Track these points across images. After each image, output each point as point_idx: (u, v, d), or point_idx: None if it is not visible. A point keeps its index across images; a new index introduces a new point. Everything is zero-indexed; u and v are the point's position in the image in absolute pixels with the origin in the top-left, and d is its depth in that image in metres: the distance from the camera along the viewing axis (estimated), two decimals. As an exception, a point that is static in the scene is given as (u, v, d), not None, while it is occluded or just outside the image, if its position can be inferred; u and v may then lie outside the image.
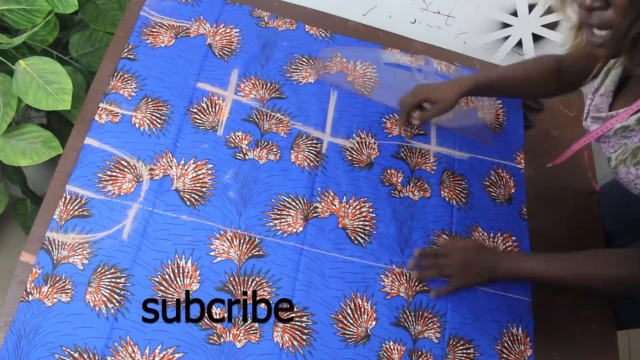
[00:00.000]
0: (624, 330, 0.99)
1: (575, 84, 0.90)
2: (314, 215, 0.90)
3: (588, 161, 1.03)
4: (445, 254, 0.87)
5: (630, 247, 0.95)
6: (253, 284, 0.83)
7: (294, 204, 0.90)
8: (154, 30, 1.00)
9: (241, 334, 0.79)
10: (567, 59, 0.88)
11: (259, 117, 0.96)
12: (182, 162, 0.89)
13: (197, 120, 0.93)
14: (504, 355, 0.86)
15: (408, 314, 0.86)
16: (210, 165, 0.90)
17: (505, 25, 1.14)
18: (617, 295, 0.91)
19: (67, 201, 0.83)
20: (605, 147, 0.75)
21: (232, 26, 1.04)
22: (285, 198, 0.90)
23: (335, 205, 0.91)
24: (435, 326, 0.86)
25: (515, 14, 1.11)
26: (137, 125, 0.91)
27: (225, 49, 1.01)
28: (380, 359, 0.81)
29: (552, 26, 1.12)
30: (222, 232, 0.85)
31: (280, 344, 0.79)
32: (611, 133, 0.72)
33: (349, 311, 0.84)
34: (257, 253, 0.85)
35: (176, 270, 0.81)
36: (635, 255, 0.75)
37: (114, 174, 0.86)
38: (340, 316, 0.83)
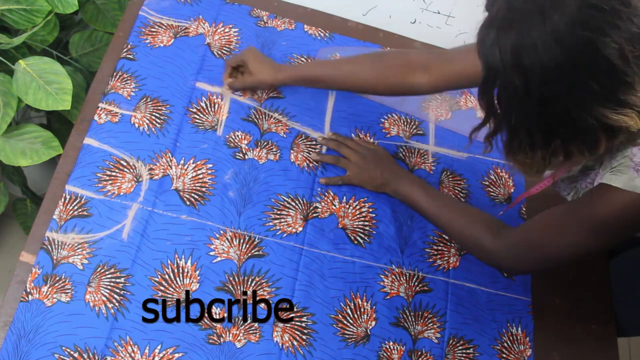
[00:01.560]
0: (624, 337, 0.99)
1: (433, 90, 0.87)
2: (314, 215, 0.90)
3: None
4: (352, 148, 0.91)
5: (630, 252, 0.95)
6: (253, 284, 0.83)
7: (293, 204, 0.90)
8: (153, 30, 1.00)
9: (241, 334, 0.79)
10: (443, 65, 0.83)
11: (258, 116, 0.96)
12: (182, 161, 0.89)
13: (197, 120, 0.93)
14: (504, 355, 0.86)
15: (408, 314, 0.86)
16: (210, 165, 0.90)
17: (505, 25, 1.14)
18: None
19: (66, 201, 0.83)
20: (560, 190, 0.75)
21: (231, 26, 1.04)
22: (285, 198, 0.90)
23: (335, 205, 0.91)
24: (435, 326, 0.86)
25: (515, 13, 1.11)
26: (137, 125, 0.91)
27: (224, 48, 1.01)
28: (380, 359, 0.81)
29: (552, 26, 1.12)
30: (221, 232, 0.85)
31: (280, 344, 0.80)
32: (559, 180, 0.73)
33: (348, 311, 0.84)
34: (256, 253, 0.85)
35: (176, 270, 0.82)
36: (497, 228, 0.77)
37: (114, 173, 0.86)
38: (340, 316, 0.83)
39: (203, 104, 0.95)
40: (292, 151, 0.94)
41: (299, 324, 0.82)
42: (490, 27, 0.56)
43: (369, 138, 0.99)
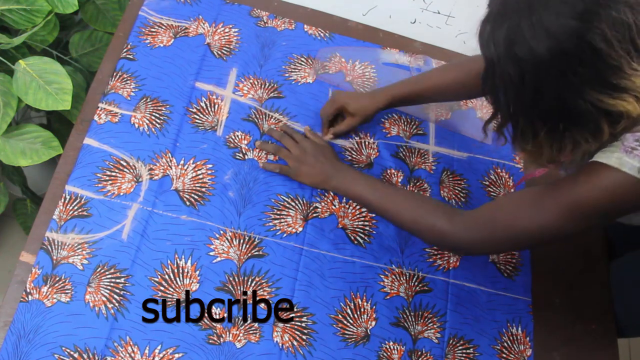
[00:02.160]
0: (624, 338, 0.99)
1: None
2: (314, 215, 0.90)
3: None
4: (295, 140, 0.90)
5: (630, 255, 0.95)
6: (253, 284, 0.83)
7: (293, 204, 0.90)
8: (152, 30, 1.00)
9: (241, 334, 0.79)
10: None
11: (258, 116, 0.96)
12: (182, 162, 0.89)
13: (197, 120, 0.93)
14: (504, 355, 0.86)
15: (408, 314, 0.86)
16: (210, 165, 0.90)
17: (505, 25, 1.14)
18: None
19: (66, 201, 0.83)
20: (561, 173, 0.75)
21: (230, 26, 1.04)
22: (284, 198, 0.90)
23: (335, 205, 0.91)
24: (435, 326, 0.86)
25: (515, 13, 1.11)
26: (137, 125, 0.91)
27: (224, 48, 1.01)
28: (380, 359, 0.81)
29: (552, 26, 1.12)
30: (221, 232, 0.85)
31: (280, 344, 0.80)
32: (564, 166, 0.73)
33: (348, 311, 0.84)
34: (256, 253, 0.85)
35: (176, 271, 0.81)
36: (451, 211, 0.76)
37: (114, 174, 0.86)
38: (340, 316, 0.83)
39: (203, 104, 0.95)
40: (292, 151, 0.94)
41: (299, 324, 0.82)
42: (487, 21, 0.61)
43: (369, 138, 0.99)
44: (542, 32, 0.55)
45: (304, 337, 0.81)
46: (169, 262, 0.82)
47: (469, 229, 0.73)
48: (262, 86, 0.99)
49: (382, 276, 0.88)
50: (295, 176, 0.90)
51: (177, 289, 0.80)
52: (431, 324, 0.86)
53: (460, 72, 0.89)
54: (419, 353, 0.83)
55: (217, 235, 0.85)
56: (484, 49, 0.61)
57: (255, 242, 0.86)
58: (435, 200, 0.81)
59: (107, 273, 0.79)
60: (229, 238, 0.85)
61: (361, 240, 0.89)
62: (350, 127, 0.94)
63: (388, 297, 0.86)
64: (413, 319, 0.85)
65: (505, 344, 0.87)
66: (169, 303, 0.79)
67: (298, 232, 0.88)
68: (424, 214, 0.77)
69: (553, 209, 0.65)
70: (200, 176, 0.89)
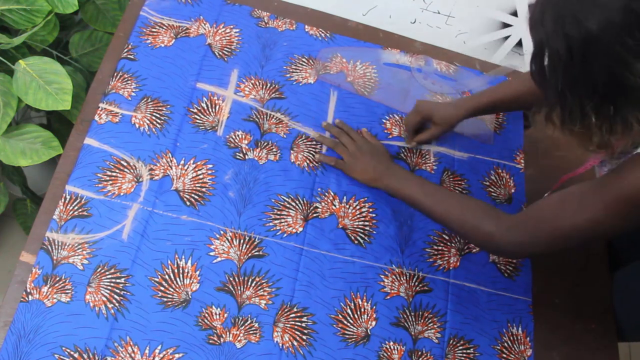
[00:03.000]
0: (625, 342, 0.98)
1: None
2: (314, 215, 0.90)
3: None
4: (352, 138, 0.93)
5: (635, 264, 0.95)
6: (253, 284, 0.83)
7: (293, 204, 0.90)
8: (153, 30, 1.00)
9: (241, 334, 0.79)
10: None
11: (259, 116, 0.96)
12: (182, 162, 0.89)
13: (197, 120, 0.93)
14: (504, 355, 0.86)
15: (408, 314, 0.86)
16: (210, 165, 0.90)
17: (505, 25, 1.14)
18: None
19: (67, 201, 0.83)
20: (600, 168, 0.74)
21: (232, 26, 1.04)
22: (285, 198, 0.90)
23: (335, 206, 0.91)
24: (435, 326, 0.86)
25: (515, 14, 1.11)
26: (137, 126, 0.91)
27: (225, 49, 1.01)
28: (380, 359, 0.81)
29: (552, 26, 1.12)
30: (222, 232, 0.85)
31: (280, 344, 0.80)
32: (604, 163, 0.72)
33: (349, 311, 0.84)
34: (257, 253, 0.85)
35: (176, 271, 0.81)
36: (496, 213, 0.76)
37: (114, 174, 0.86)
38: (340, 316, 0.83)
39: (204, 105, 0.95)
40: (292, 151, 0.94)
41: (299, 324, 0.82)
42: (536, 3, 0.60)
43: (369, 138, 0.99)
44: (589, 6, 0.54)
45: (304, 337, 0.81)
46: (169, 262, 0.82)
47: (516, 231, 0.73)
48: (264, 87, 0.99)
49: (383, 276, 0.88)
50: (349, 171, 0.92)
51: (177, 289, 0.80)
52: (431, 324, 0.86)
53: (527, 85, 0.89)
54: (419, 353, 0.83)
55: (218, 236, 0.85)
56: (533, 30, 0.60)
57: (255, 242, 0.86)
58: (484, 203, 0.80)
59: (107, 273, 0.79)
60: (229, 238, 0.85)
61: (361, 241, 0.89)
62: (433, 137, 0.96)
63: (388, 297, 0.86)
64: (413, 319, 0.85)
65: (506, 344, 0.87)
66: (169, 303, 0.79)
67: (298, 232, 0.88)
68: (471, 217, 0.77)
69: (599, 203, 0.64)
70: (201, 176, 0.89)
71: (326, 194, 0.92)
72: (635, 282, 0.94)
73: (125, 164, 0.87)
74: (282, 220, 0.88)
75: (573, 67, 0.57)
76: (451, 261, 0.91)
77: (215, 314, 0.80)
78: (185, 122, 0.92)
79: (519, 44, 1.17)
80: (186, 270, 0.82)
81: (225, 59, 1.00)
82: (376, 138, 0.97)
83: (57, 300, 0.77)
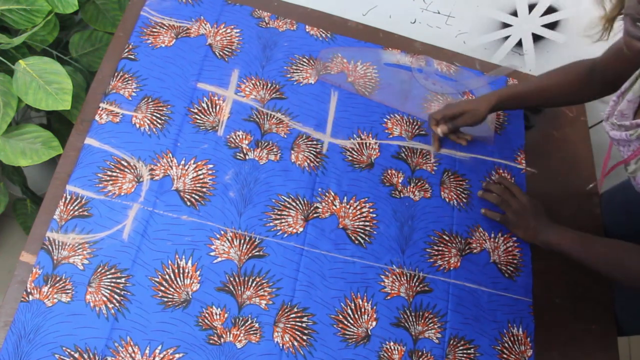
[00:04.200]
0: (624, 337, 0.99)
1: (609, 87, 0.88)
2: (315, 215, 0.90)
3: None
4: (513, 194, 0.96)
5: None
6: (253, 284, 0.83)
7: (294, 204, 0.90)
8: (154, 30, 1.00)
9: (241, 334, 0.79)
10: (599, 63, 0.87)
11: (259, 117, 0.96)
12: (183, 162, 0.89)
13: (198, 121, 0.93)
14: (505, 356, 0.86)
15: (408, 314, 0.86)
16: (211, 166, 0.90)
17: (505, 25, 1.14)
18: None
19: (67, 201, 0.83)
20: (624, 151, 0.74)
21: (232, 26, 1.04)
22: (285, 198, 0.90)
23: (335, 206, 0.91)
24: (435, 326, 0.86)
25: (515, 14, 1.11)
26: (138, 126, 0.91)
27: (226, 49, 1.01)
28: (380, 359, 0.81)
29: (552, 26, 1.12)
30: (222, 232, 0.85)
31: (281, 344, 0.79)
32: (634, 137, 0.72)
33: (349, 311, 0.84)
34: (257, 253, 0.85)
35: (176, 271, 0.81)
36: None
37: (115, 174, 0.86)
38: (340, 316, 0.83)
39: (204, 105, 0.95)
40: (292, 151, 0.94)
41: (299, 324, 0.82)
42: None
43: (371, 138, 0.99)
44: None
45: (304, 337, 0.81)
46: (169, 262, 0.82)
47: None
48: (264, 87, 0.99)
49: (383, 276, 0.88)
50: (513, 227, 0.95)
51: (177, 289, 0.80)
52: (432, 324, 0.86)
53: (562, 77, 0.92)
54: (420, 353, 0.83)
55: (218, 236, 0.85)
56: None
57: (255, 243, 0.86)
58: (632, 244, 0.80)
59: (107, 273, 0.79)
60: (229, 238, 0.85)
61: (362, 241, 0.89)
62: (465, 123, 0.96)
63: (389, 298, 0.86)
64: (414, 319, 0.85)
65: (506, 345, 0.87)
66: (170, 303, 0.79)
67: (299, 232, 0.88)
68: (634, 264, 0.77)
69: None
70: (201, 176, 0.89)
71: (327, 194, 0.92)
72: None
73: (125, 164, 0.87)
74: (283, 221, 0.88)
75: None
76: (452, 261, 0.91)
77: (216, 314, 0.80)
78: (185, 122, 0.92)
79: (519, 44, 1.17)
80: (186, 271, 0.82)
81: (226, 59, 1.00)
82: (524, 194, 0.97)
83: (58, 300, 0.77)
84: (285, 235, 0.87)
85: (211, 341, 0.78)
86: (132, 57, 0.96)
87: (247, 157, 0.92)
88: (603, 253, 0.81)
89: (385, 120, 1.01)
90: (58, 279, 0.78)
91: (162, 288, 0.80)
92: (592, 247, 0.83)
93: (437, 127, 0.97)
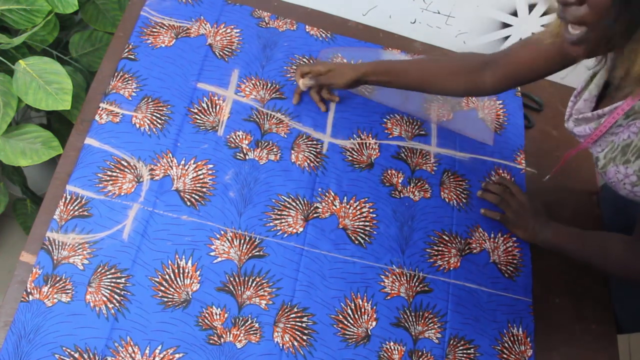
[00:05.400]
0: (624, 334, 0.99)
1: (501, 86, 0.87)
2: (315, 215, 0.90)
3: None
4: (512, 194, 0.96)
5: None
6: (253, 284, 0.83)
7: (294, 204, 0.90)
8: (154, 30, 1.00)
9: (241, 334, 0.79)
10: (495, 61, 0.85)
11: (259, 117, 0.96)
12: (183, 162, 0.89)
13: (198, 121, 0.93)
14: (505, 356, 0.86)
15: (408, 314, 0.86)
16: (211, 166, 0.90)
17: (505, 25, 1.14)
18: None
19: (67, 201, 0.83)
20: (593, 147, 0.74)
21: (232, 26, 1.04)
22: (285, 198, 0.90)
23: (335, 206, 0.91)
24: (435, 326, 0.86)
25: (515, 14, 1.11)
26: (138, 126, 0.91)
27: (226, 49, 1.01)
28: (380, 359, 0.81)
29: (552, 26, 1.12)
30: (222, 232, 0.85)
31: (281, 345, 0.79)
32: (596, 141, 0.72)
33: (349, 311, 0.84)
34: (257, 253, 0.85)
35: (176, 271, 0.81)
36: None
37: (115, 174, 0.86)
38: (340, 316, 0.83)
39: (204, 105, 0.95)
40: (292, 151, 0.94)
41: (299, 324, 0.82)
42: None
43: (370, 139, 0.99)
44: None
45: (304, 337, 0.81)
46: (169, 262, 0.82)
47: None
48: (264, 87, 0.99)
49: (383, 276, 0.88)
50: (513, 227, 0.95)
51: (177, 289, 0.80)
52: (432, 325, 0.86)
53: (446, 62, 0.91)
54: (420, 353, 0.83)
55: (218, 236, 0.85)
56: None
57: (255, 243, 0.86)
58: (622, 235, 0.81)
59: (107, 273, 0.79)
60: (229, 238, 0.85)
61: (362, 241, 0.89)
62: (323, 84, 0.95)
63: (389, 298, 0.86)
64: (414, 319, 0.85)
65: (506, 345, 0.87)
66: (170, 303, 0.79)
67: (299, 232, 0.88)
68: (613, 253, 0.78)
69: None
70: (201, 176, 0.89)
71: (327, 194, 0.92)
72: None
73: (125, 164, 0.87)
74: (283, 221, 0.88)
75: None
76: (452, 261, 0.91)
77: (216, 314, 0.80)
78: (185, 122, 0.92)
79: (519, 44, 1.17)
80: (186, 271, 0.82)
81: (226, 59, 1.00)
82: (524, 193, 0.97)
83: (58, 300, 0.77)
84: (285, 235, 0.87)
85: (211, 341, 0.78)
86: (132, 57, 0.96)
87: (247, 157, 0.92)
88: (596, 246, 0.82)
89: (385, 120, 1.02)
90: (58, 279, 0.78)
91: (162, 288, 0.80)
92: (587, 241, 0.84)
93: (301, 80, 0.95)
